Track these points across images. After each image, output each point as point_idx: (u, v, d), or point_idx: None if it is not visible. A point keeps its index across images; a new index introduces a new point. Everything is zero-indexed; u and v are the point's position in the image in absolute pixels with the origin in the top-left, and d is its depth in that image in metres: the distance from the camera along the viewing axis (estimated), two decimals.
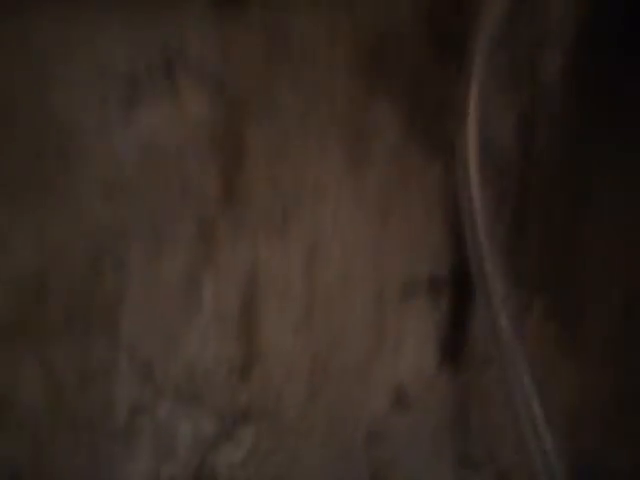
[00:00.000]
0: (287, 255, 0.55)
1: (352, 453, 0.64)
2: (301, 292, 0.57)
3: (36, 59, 0.39)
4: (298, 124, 0.53)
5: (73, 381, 0.45)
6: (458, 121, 0.61)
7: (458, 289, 0.68)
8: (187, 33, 0.45)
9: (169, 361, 0.50)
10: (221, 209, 0.50)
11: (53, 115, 0.42)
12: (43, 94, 0.41)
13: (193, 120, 0.48)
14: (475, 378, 0.74)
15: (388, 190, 0.62)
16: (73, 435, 0.45)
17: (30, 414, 0.43)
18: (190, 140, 0.48)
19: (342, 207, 0.59)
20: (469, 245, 0.63)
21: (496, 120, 0.65)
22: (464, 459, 0.78)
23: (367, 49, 0.57)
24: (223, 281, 0.52)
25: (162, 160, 0.47)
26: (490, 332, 0.63)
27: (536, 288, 0.67)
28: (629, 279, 0.69)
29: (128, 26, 0.42)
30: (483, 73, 0.59)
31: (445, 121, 0.63)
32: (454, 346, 0.71)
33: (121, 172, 0.45)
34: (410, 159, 0.62)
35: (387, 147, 0.60)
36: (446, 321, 0.69)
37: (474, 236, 0.61)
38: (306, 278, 0.57)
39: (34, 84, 0.40)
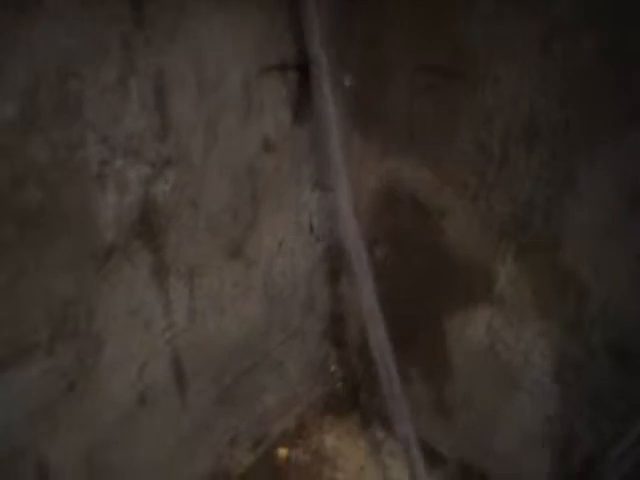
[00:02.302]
0: (181, 58, 0.84)
1: (239, 181, 1.00)
2: (192, 83, 0.88)
3: None
4: None
5: (65, 150, 0.74)
6: None
7: (301, 71, 1.00)
8: None
9: (117, 133, 0.80)
10: (135, 30, 0.76)
11: None
12: None
13: None
14: (315, 131, 1.09)
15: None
16: (74, 181, 0.76)
17: (39, 169, 0.71)
18: None
19: (211, 16, 0.86)
20: (309, 39, 0.93)
21: None
22: (316, 184, 1.18)
23: None
24: (142, 79, 0.80)
25: None
26: (319, 99, 0.97)
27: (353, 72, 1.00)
28: (417, 63, 1.03)
29: None
30: None
31: None
32: (301, 109, 1.05)
33: (68, 5, 0.69)
34: None
35: None
36: (293, 93, 1.02)
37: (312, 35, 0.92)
38: (195, 73, 0.88)
39: None
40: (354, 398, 1.50)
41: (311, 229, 1.21)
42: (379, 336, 1.12)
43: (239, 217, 1.02)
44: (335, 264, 1.32)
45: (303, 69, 0.99)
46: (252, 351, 1.25)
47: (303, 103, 1.02)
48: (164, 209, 0.90)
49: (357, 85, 1.09)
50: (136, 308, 0.94)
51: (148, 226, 0.89)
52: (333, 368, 1.54)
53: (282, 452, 1.40)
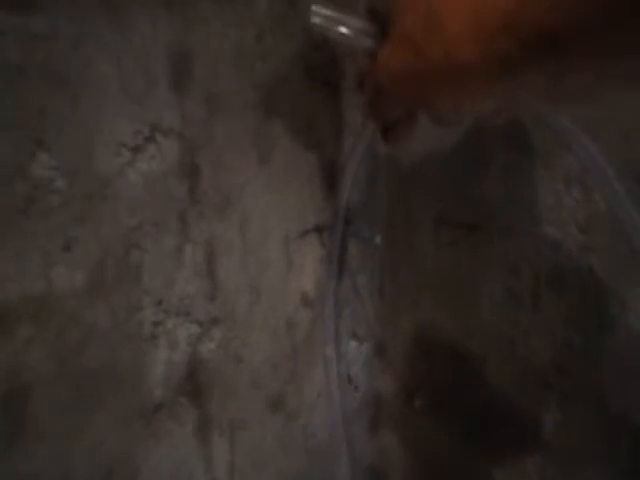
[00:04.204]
0: (229, 227, 0.92)
1: (279, 335, 1.05)
2: (239, 247, 0.95)
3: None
4: (228, 149, 0.89)
5: (123, 314, 0.81)
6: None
7: (333, 231, 1.09)
8: (160, 112, 0.79)
9: (170, 296, 0.87)
10: (189, 205, 0.86)
11: (94, 169, 0.75)
12: (90, 157, 0.74)
13: (169, 157, 0.82)
14: (352, 282, 1.16)
15: (285, 175, 1.00)
16: (129, 343, 0.82)
17: (99, 333, 0.78)
18: (170, 168, 0.83)
19: (258, 192, 0.96)
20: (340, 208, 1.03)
21: None
22: (353, 335, 1.22)
23: (264, 91, 0.92)
24: (194, 246, 0.88)
25: (155, 181, 0.82)
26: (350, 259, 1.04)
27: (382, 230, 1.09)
28: (439, 220, 1.12)
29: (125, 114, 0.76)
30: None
31: (317, 127, 1.01)
32: (338, 264, 1.12)
33: (133, 192, 0.80)
34: (297, 153, 1.00)
35: (282, 148, 0.97)
36: (329, 250, 1.09)
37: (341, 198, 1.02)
38: (241, 238, 0.95)
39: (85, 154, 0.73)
40: None
41: (349, 379, 1.23)
42: None
43: (279, 370, 1.05)
44: (375, 414, 1.31)
45: (336, 229, 1.07)
46: None
47: (339, 260, 1.10)
48: (209, 365, 0.94)
49: (387, 242, 1.18)
50: (179, 464, 0.95)
51: (194, 382, 0.92)
52: None
53: None
